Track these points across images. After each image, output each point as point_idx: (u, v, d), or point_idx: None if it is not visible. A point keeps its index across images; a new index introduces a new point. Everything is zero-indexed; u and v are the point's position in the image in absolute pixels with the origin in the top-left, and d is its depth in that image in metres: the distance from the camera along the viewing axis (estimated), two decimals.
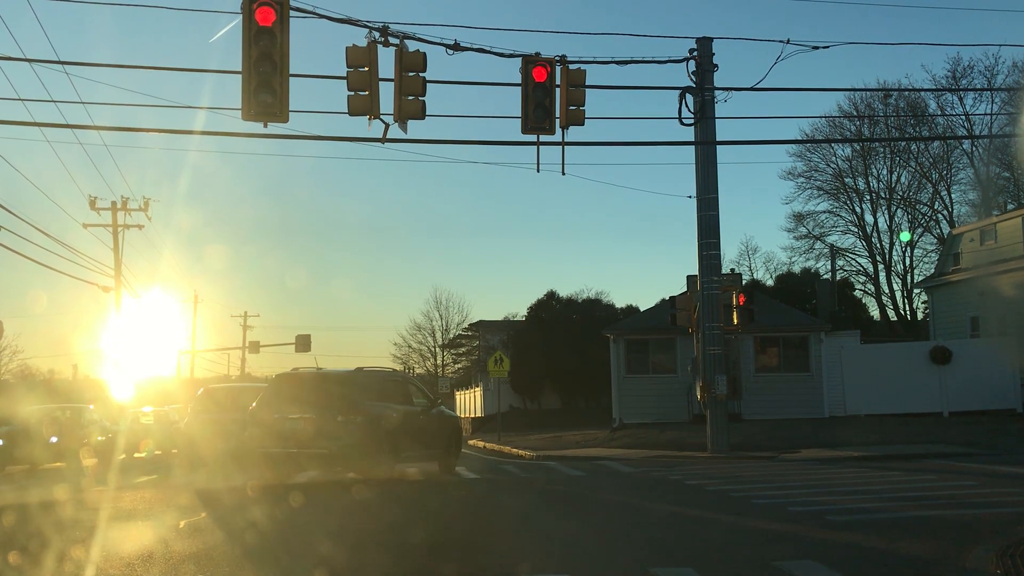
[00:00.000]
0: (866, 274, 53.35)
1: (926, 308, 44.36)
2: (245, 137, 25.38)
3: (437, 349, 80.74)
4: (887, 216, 51.92)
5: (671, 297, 29.71)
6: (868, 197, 52.23)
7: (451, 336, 77.97)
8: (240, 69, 12.72)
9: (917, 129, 49.04)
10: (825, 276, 49.37)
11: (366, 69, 13.82)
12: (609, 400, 34.03)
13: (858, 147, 51.17)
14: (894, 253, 52.14)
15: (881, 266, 52.31)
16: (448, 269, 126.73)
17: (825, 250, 52.38)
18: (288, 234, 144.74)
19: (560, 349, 44.29)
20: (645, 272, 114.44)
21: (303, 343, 54.36)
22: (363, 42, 13.89)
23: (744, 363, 30.91)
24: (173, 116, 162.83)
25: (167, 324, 58.50)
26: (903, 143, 50.15)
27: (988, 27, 74.71)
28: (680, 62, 19.19)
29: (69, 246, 50.24)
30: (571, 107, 15.06)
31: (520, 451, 25.14)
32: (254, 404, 15.99)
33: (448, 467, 17.37)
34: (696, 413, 27.11)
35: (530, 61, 14.81)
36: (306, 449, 14.80)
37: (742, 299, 21.47)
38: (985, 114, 46.27)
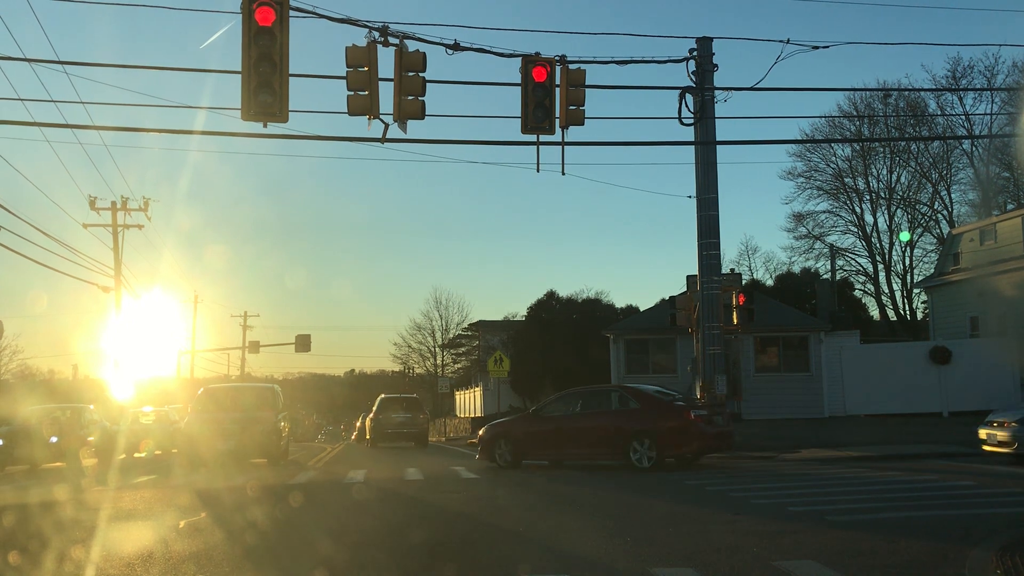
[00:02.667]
0: (866, 274, 53.40)
1: (926, 308, 44.38)
2: (245, 137, 25.35)
3: (437, 349, 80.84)
4: (887, 216, 52.01)
5: (671, 297, 29.76)
6: (868, 197, 52.29)
7: (451, 336, 78.07)
8: (240, 69, 12.73)
9: (917, 129, 49.06)
10: (825, 276, 49.40)
11: (366, 69, 13.82)
12: None
13: (858, 147, 51.22)
14: (894, 253, 52.21)
15: (881, 266, 52.35)
16: (448, 269, 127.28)
17: (825, 250, 52.46)
18: (288, 234, 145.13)
19: (560, 349, 44.29)
20: (645, 272, 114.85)
21: (303, 343, 54.40)
22: (363, 42, 13.90)
23: (744, 363, 30.93)
24: (173, 116, 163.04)
25: (167, 324, 58.58)
26: (903, 143, 50.26)
27: (988, 27, 74.87)
28: (680, 62, 19.19)
29: (69, 246, 50.34)
30: (571, 107, 15.06)
31: None
32: (374, 409, 33.05)
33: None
34: None
35: (530, 61, 14.81)
36: (404, 430, 31.85)
37: (742, 299, 21.49)
38: (985, 114, 46.36)
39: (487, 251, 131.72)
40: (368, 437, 34.03)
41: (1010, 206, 42.88)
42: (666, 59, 19.23)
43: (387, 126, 14.15)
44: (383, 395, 35.74)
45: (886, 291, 52.88)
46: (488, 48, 15.28)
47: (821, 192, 53.19)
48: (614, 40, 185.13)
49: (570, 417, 18.04)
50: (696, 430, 16.63)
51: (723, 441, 17.28)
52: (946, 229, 46.99)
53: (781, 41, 17.63)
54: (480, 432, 19.64)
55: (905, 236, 50.24)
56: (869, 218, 52.38)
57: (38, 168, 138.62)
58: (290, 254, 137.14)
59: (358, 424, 50.69)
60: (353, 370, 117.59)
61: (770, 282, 53.18)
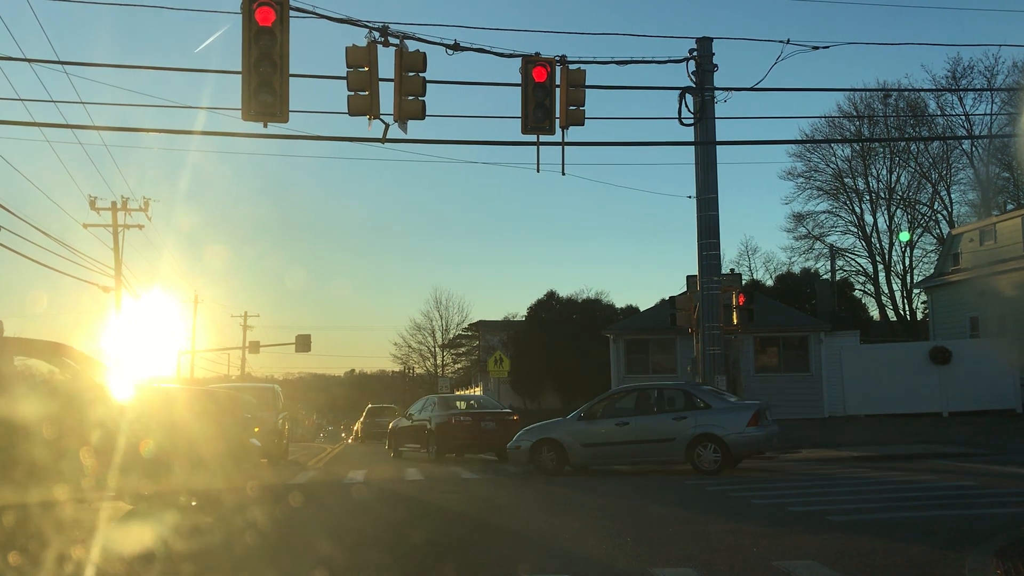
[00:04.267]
0: (866, 274, 53.40)
1: (926, 308, 44.37)
2: (245, 137, 25.35)
3: (437, 349, 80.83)
4: (887, 216, 52.01)
5: (671, 297, 29.74)
6: (868, 197, 52.29)
7: (451, 336, 78.06)
8: (240, 69, 12.73)
9: (917, 129, 49.05)
10: (825, 276, 49.39)
11: (366, 69, 13.82)
12: None
13: (858, 147, 51.21)
14: (894, 253, 52.20)
15: (881, 266, 52.34)
16: (448, 269, 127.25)
17: (825, 250, 52.46)
18: (288, 234, 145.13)
19: (560, 349, 44.26)
20: (645, 272, 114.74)
21: (303, 343, 54.36)
22: (363, 42, 13.90)
23: (744, 363, 30.91)
24: (173, 116, 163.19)
25: (167, 324, 58.36)
26: (903, 143, 50.24)
27: (988, 27, 74.91)
28: (680, 62, 19.19)
29: (69, 246, 50.14)
30: (571, 107, 15.05)
31: None
32: (363, 415, 46.27)
33: None
34: None
35: (530, 61, 14.81)
36: (384, 430, 32.57)
37: (742, 299, 21.46)
38: (985, 114, 46.36)
39: (487, 251, 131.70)
40: (359, 436, 45.87)
41: (1010, 206, 42.87)
42: (666, 59, 19.24)
43: (387, 126, 14.16)
44: (370, 404, 48.79)
45: (886, 291, 52.93)
46: (488, 48, 15.29)
47: (821, 192, 53.25)
48: (614, 40, 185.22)
49: (415, 419, 23.58)
50: (456, 432, 21.48)
51: (487, 441, 21.54)
52: (946, 229, 46.97)
53: (781, 41, 17.63)
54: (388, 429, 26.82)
55: (905, 236, 50.25)
56: (869, 218, 52.45)
57: (38, 168, 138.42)
58: (290, 254, 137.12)
59: (355, 428, 57.79)
60: (353, 370, 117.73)
61: (770, 282, 53.21)
